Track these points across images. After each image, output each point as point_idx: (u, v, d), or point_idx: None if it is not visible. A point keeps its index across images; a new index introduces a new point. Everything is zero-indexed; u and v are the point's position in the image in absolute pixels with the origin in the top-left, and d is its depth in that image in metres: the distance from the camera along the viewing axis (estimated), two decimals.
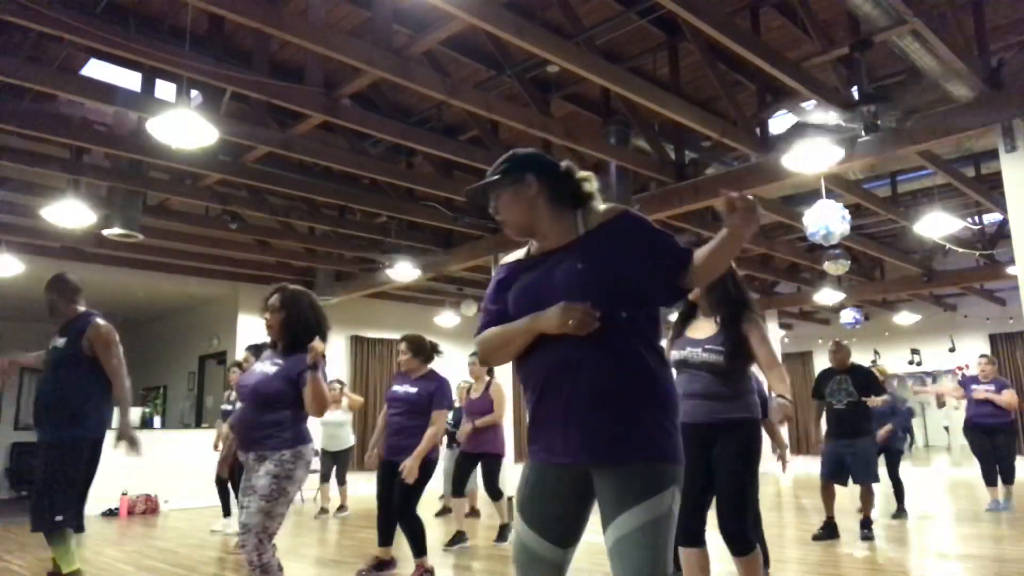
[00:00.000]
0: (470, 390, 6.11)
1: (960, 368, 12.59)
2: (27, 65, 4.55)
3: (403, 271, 8.45)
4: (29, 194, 6.92)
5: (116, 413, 3.88)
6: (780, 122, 6.34)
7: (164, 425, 10.34)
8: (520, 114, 5.47)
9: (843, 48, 4.82)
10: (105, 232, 6.68)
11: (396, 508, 4.42)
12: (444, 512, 7.88)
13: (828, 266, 8.30)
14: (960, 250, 8.85)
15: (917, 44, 4.39)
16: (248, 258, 9.48)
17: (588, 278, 1.71)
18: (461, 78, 5.69)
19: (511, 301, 1.83)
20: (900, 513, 6.64)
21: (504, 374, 7.16)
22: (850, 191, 6.82)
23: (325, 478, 8.19)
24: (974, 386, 7.11)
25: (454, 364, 11.68)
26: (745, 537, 2.87)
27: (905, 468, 6.99)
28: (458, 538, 5.67)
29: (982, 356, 7.41)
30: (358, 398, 8.67)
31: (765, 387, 3.38)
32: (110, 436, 3.84)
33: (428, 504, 8.25)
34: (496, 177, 1.86)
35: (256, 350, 4.58)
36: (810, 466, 9.49)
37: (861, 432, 5.58)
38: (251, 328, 9.87)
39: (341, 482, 8.24)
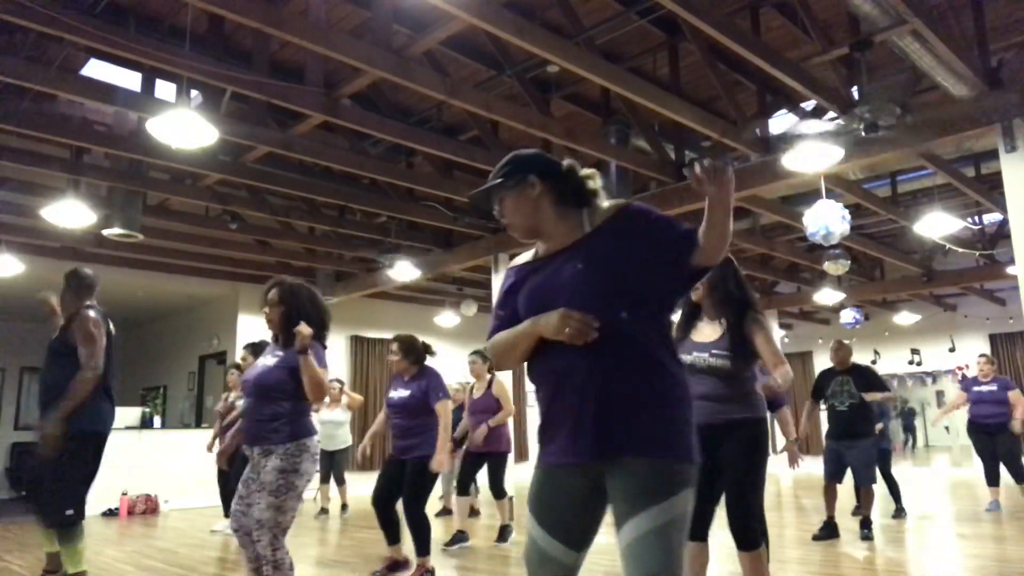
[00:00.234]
0: (473, 389, 6.10)
1: (960, 368, 12.59)
2: (27, 65, 4.55)
3: (403, 271, 8.45)
4: (29, 194, 6.92)
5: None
6: (780, 122, 6.34)
7: (164, 425, 10.34)
8: (520, 114, 5.47)
9: (843, 48, 4.82)
10: (105, 232, 6.69)
11: (405, 505, 4.42)
12: (444, 513, 7.88)
13: (828, 266, 8.30)
14: (960, 250, 8.85)
15: (917, 44, 4.39)
16: (248, 258, 9.49)
17: (592, 277, 1.70)
18: (461, 78, 5.70)
19: (520, 304, 1.81)
20: (899, 512, 6.65)
21: (509, 373, 7.17)
22: (850, 191, 6.82)
23: (325, 478, 8.18)
24: (975, 387, 7.10)
25: (454, 364, 11.72)
26: (752, 533, 2.91)
27: (906, 468, 6.99)
28: (458, 537, 5.67)
29: (981, 356, 7.39)
30: (358, 397, 8.67)
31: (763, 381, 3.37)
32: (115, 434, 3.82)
33: (429, 504, 8.26)
34: (499, 180, 1.84)
35: (254, 348, 4.57)
36: (810, 466, 9.49)
37: (863, 433, 5.57)
38: (251, 328, 9.87)
39: (340, 482, 8.24)
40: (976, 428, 7.02)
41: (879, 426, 6.79)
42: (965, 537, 5.82)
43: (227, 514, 6.64)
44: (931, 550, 5.39)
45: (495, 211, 1.90)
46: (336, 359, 10.93)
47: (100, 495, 8.69)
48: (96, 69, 5.39)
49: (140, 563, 5.29)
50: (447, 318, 11.65)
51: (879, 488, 6.14)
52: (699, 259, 1.69)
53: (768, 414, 3.34)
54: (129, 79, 5.29)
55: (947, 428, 17.29)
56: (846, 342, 5.89)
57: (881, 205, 7.48)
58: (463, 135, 6.64)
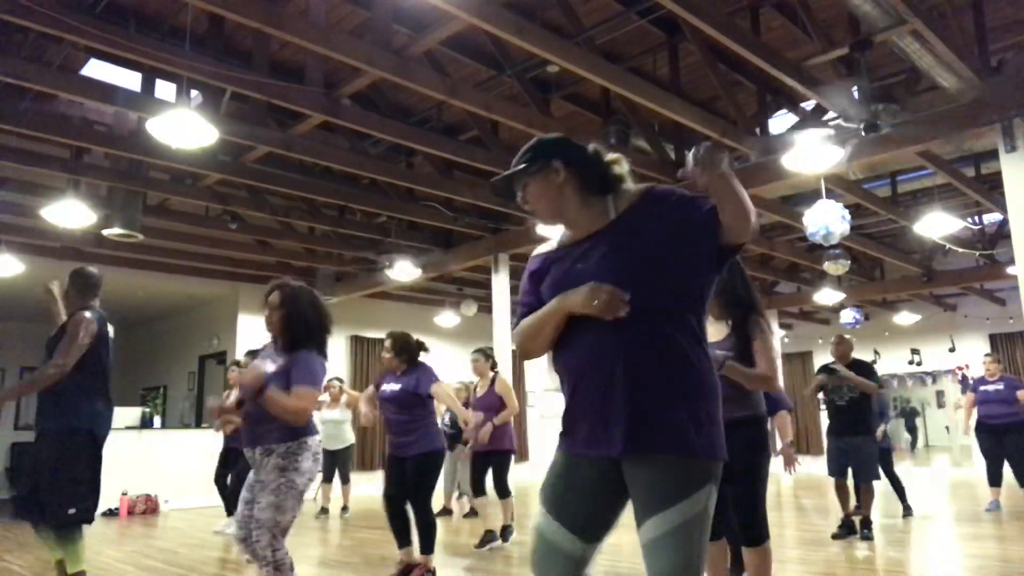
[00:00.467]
0: (476, 387, 6.08)
1: (960, 368, 12.59)
2: (27, 65, 4.55)
3: (403, 271, 8.45)
4: (29, 194, 6.92)
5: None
6: (780, 122, 6.34)
7: (164, 425, 10.34)
8: (520, 114, 5.47)
9: (843, 48, 4.82)
10: (105, 232, 6.68)
11: (415, 504, 4.41)
12: (444, 512, 7.89)
13: (828, 266, 8.30)
14: (960, 250, 8.85)
15: (917, 44, 4.39)
16: (248, 258, 9.49)
17: (618, 265, 1.66)
18: (461, 78, 5.70)
19: (546, 294, 1.77)
20: (907, 511, 6.63)
21: (505, 369, 7.16)
22: (850, 191, 6.82)
23: (327, 477, 8.19)
24: (982, 387, 7.08)
25: (455, 364, 11.72)
26: (758, 528, 2.95)
27: (906, 468, 6.99)
28: (488, 537, 5.58)
29: (987, 355, 7.36)
30: (357, 395, 8.66)
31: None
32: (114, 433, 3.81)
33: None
34: (522, 166, 1.80)
35: (255, 356, 4.55)
36: (810, 466, 9.50)
37: (863, 430, 5.57)
38: (251, 328, 9.88)
39: (345, 481, 8.23)
40: (983, 428, 6.99)
41: (881, 428, 6.80)
42: (965, 537, 5.82)
43: (229, 513, 6.64)
44: (931, 550, 5.40)
45: (518, 197, 1.85)
46: (336, 359, 10.93)
47: (100, 495, 8.70)
48: (96, 69, 5.39)
49: (140, 563, 5.29)
50: (447, 318, 11.65)
51: (880, 487, 6.14)
52: (726, 237, 1.64)
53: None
54: (129, 79, 5.29)
55: (947, 428, 17.30)
56: (848, 337, 5.89)
57: (881, 205, 7.48)
58: (463, 135, 6.64)
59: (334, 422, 8.09)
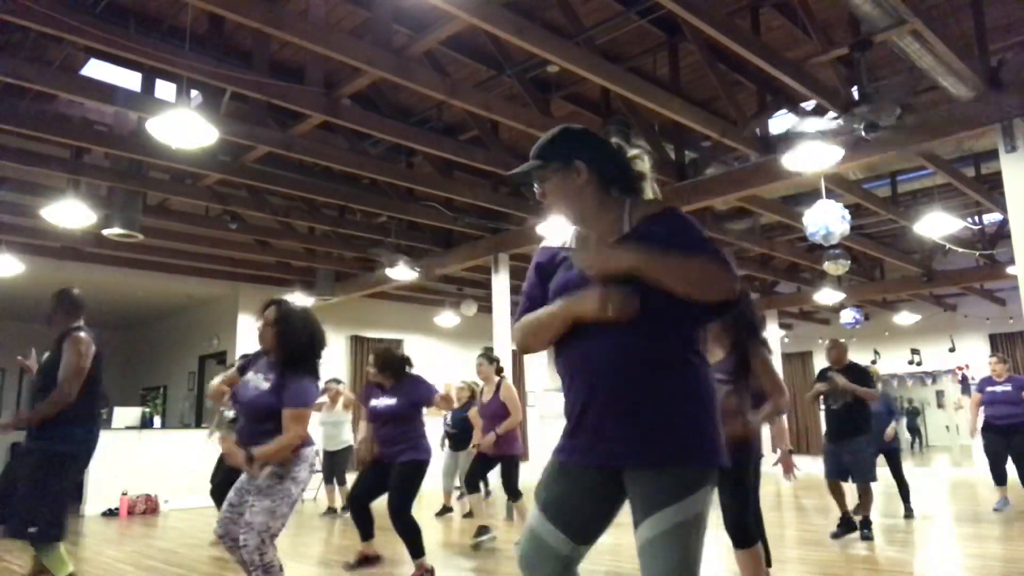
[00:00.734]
0: (482, 392, 6.09)
1: (960, 368, 12.59)
2: (27, 65, 4.55)
3: (403, 271, 8.45)
4: (29, 194, 6.92)
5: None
6: (780, 122, 6.34)
7: (164, 425, 10.34)
8: (520, 114, 5.47)
9: (843, 48, 4.82)
10: (105, 232, 6.68)
11: (394, 509, 4.42)
12: (445, 511, 7.90)
13: (828, 266, 8.29)
14: (960, 250, 8.85)
15: (917, 44, 4.39)
16: (248, 258, 9.48)
17: (627, 278, 1.64)
18: (461, 78, 5.70)
19: (552, 294, 1.77)
20: (908, 513, 6.64)
21: (509, 372, 7.15)
22: (850, 191, 6.82)
23: (328, 478, 8.18)
24: (989, 387, 7.07)
25: (455, 364, 11.72)
26: (747, 530, 3.04)
27: (906, 468, 6.98)
28: (482, 531, 5.67)
29: (992, 356, 7.35)
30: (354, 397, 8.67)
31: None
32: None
33: (428, 504, 8.26)
34: (541, 163, 1.77)
35: (247, 360, 4.58)
36: (809, 465, 9.50)
37: (858, 432, 5.60)
38: (251, 328, 9.74)
39: (341, 482, 8.24)
40: (990, 428, 6.98)
41: (892, 426, 6.81)
42: (966, 537, 5.82)
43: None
44: (932, 550, 5.39)
45: (535, 189, 1.82)
46: (336, 359, 10.93)
47: (100, 495, 8.70)
48: (96, 69, 5.38)
49: (140, 563, 5.29)
50: (447, 318, 11.65)
51: (882, 487, 6.15)
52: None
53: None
54: (129, 79, 5.29)
55: (947, 428, 17.29)
56: (841, 341, 5.95)
57: (881, 205, 7.48)
58: (463, 135, 6.64)
59: (333, 423, 8.09)
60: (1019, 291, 4.98)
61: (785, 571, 4.59)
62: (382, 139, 6.18)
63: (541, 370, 12.93)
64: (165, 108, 4.71)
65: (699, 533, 1.59)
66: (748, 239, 8.63)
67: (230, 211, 7.70)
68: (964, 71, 4.69)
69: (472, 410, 6.82)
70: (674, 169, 6.52)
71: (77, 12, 4.05)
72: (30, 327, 10.52)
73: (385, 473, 4.48)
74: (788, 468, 3.94)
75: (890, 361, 13.42)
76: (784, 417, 4.18)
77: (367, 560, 4.70)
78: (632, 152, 1.79)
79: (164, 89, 5.26)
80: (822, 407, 5.85)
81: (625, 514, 1.70)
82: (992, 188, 6.95)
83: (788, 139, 5.61)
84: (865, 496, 5.66)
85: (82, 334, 3.76)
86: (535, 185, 1.81)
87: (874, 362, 13.38)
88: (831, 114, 5.28)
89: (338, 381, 8.47)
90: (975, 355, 12.21)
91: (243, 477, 3.07)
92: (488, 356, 5.99)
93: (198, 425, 10.56)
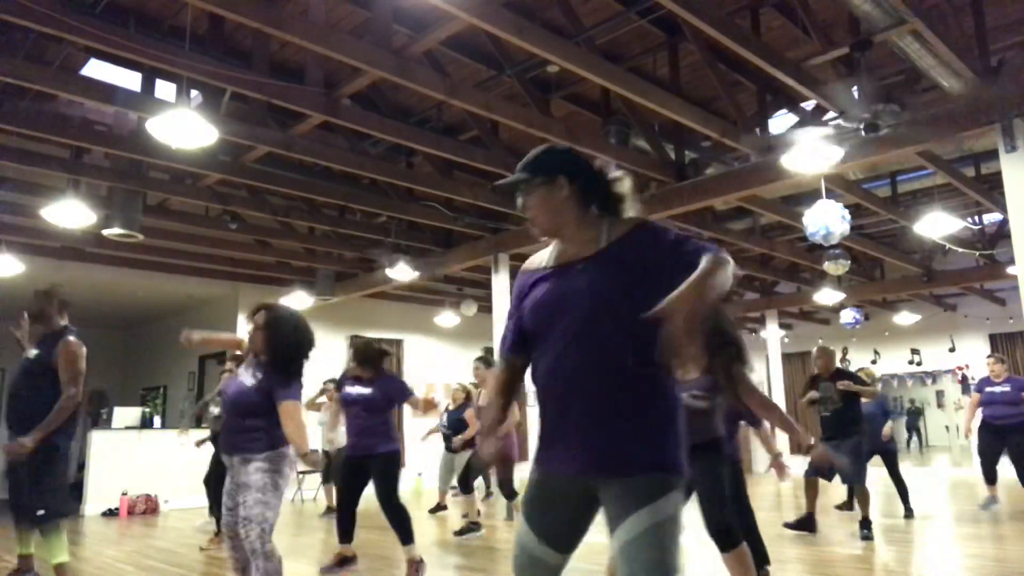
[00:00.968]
0: (480, 395, 6.11)
1: (960, 368, 12.58)
2: (27, 65, 4.55)
3: (403, 271, 8.45)
4: (29, 194, 6.92)
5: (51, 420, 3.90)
6: (780, 122, 6.33)
7: (164, 425, 10.33)
8: (520, 114, 5.47)
9: (843, 48, 4.82)
10: (105, 232, 6.68)
11: (381, 500, 4.52)
12: (439, 509, 7.92)
13: (828, 266, 8.30)
14: (960, 250, 8.85)
15: (917, 44, 4.39)
16: (248, 258, 9.48)
17: (600, 295, 1.71)
18: (461, 78, 5.69)
19: (526, 312, 1.83)
20: (908, 513, 6.65)
21: None
22: (850, 191, 6.82)
23: (326, 479, 8.18)
24: (987, 388, 7.08)
25: (455, 364, 11.71)
26: (728, 532, 3.16)
27: (906, 468, 7.01)
28: (471, 528, 5.74)
29: (990, 356, 7.37)
30: None
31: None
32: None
33: (426, 503, 8.27)
34: (526, 176, 1.83)
35: (239, 362, 4.72)
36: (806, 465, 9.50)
37: (847, 434, 5.71)
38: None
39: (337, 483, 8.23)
40: (988, 428, 7.00)
41: (888, 425, 6.87)
42: (965, 537, 5.82)
43: (211, 512, 6.60)
44: (931, 550, 5.40)
45: (519, 202, 1.88)
46: (336, 359, 10.92)
47: (100, 495, 8.70)
48: (96, 69, 5.38)
49: (140, 563, 5.29)
50: (447, 318, 11.65)
51: (882, 487, 6.16)
52: None
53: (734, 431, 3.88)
54: (129, 79, 5.28)
55: (947, 428, 17.29)
56: (830, 349, 6.10)
57: (881, 205, 7.48)
58: (463, 135, 6.64)
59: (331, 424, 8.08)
60: (1019, 291, 4.98)
61: (785, 571, 4.59)
62: (382, 139, 6.18)
63: None
64: (165, 108, 4.71)
65: (674, 533, 1.64)
66: (748, 239, 8.63)
67: (230, 211, 7.69)
68: (964, 71, 4.69)
69: (468, 411, 6.86)
70: (674, 169, 6.52)
71: (77, 12, 4.04)
72: (30, 327, 10.53)
73: (362, 471, 4.59)
74: (781, 471, 4.12)
75: (890, 361, 13.42)
76: (768, 424, 4.32)
77: (345, 561, 4.77)
78: (614, 174, 1.85)
79: (164, 89, 5.25)
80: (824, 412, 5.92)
81: None
82: (992, 188, 6.95)
83: (788, 139, 5.61)
84: (862, 496, 5.70)
85: (72, 337, 3.98)
86: (519, 199, 1.87)
87: (874, 362, 13.40)
88: (831, 114, 5.29)
89: (336, 381, 8.46)
90: (975, 355, 12.20)
91: (228, 479, 3.24)
92: (485, 360, 6.02)
93: (198, 425, 10.54)
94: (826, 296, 10.32)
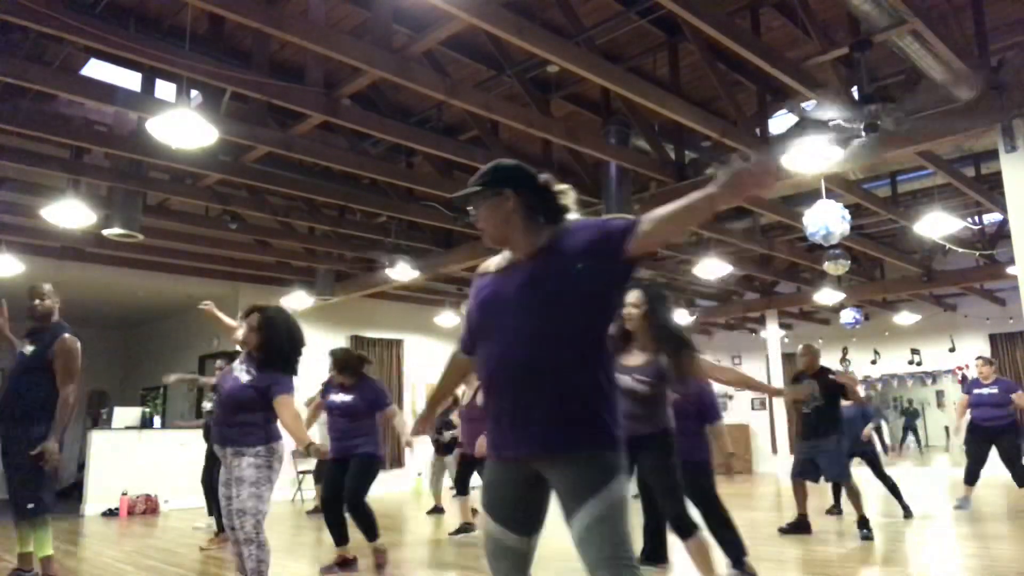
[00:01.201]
0: (463, 394, 6.11)
1: (960, 368, 12.58)
2: (27, 65, 4.54)
3: (403, 271, 8.45)
4: (29, 194, 6.92)
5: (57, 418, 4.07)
6: (780, 122, 6.34)
7: (164, 425, 10.34)
8: (520, 114, 5.47)
9: (843, 48, 4.82)
10: (105, 232, 6.68)
11: (347, 500, 4.62)
12: (436, 511, 7.94)
13: (828, 266, 8.30)
14: (960, 250, 8.85)
15: (917, 44, 4.39)
16: (248, 258, 9.48)
17: (535, 291, 1.87)
18: (461, 78, 5.69)
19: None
20: (907, 513, 6.68)
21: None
22: (850, 191, 6.82)
23: (318, 478, 8.18)
24: (976, 389, 7.14)
25: None
26: (684, 522, 3.31)
27: (906, 468, 7.06)
28: (464, 528, 5.85)
29: (978, 358, 7.42)
30: None
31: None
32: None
33: (424, 503, 8.27)
34: (476, 188, 1.98)
35: (231, 360, 4.89)
36: None
37: (827, 432, 5.76)
38: None
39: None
40: (977, 429, 7.05)
41: (868, 427, 6.96)
42: (965, 537, 5.82)
43: (210, 512, 6.62)
44: (931, 550, 5.40)
45: (470, 214, 2.05)
46: None
47: (100, 495, 8.71)
48: (96, 69, 5.38)
49: (140, 563, 5.29)
50: (447, 318, 11.65)
51: (881, 489, 6.17)
52: (635, 245, 1.80)
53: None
54: (129, 79, 5.28)
55: (947, 428, 17.28)
56: (814, 347, 6.18)
57: (881, 205, 7.48)
58: (463, 135, 6.64)
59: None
60: (1019, 291, 4.98)
61: (784, 570, 4.59)
62: (382, 139, 6.18)
63: None
64: (165, 108, 4.71)
65: (623, 514, 1.80)
66: (748, 239, 8.63)
67: (230, 211, 7.69)
68: (964, 71, 4.69)
69: (453, 414, 6.94)
70: (674, 169, 6.52)
71: (77, 12, 4.04)
72: (30, 327, 10.53)
73: (344, 472, 4.69)
74: (728, 470, 4.24)
75: (890, 361, 13.42)
76: (720, 423, 4.51)
77: (345, 563, 4.79)
78: (558, 187, 2.00)
79: (164, 89, 5.25)
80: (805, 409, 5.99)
81: None
82: (992, 188, 6.95)
83: (788, 139, 5.61)
84: (851, 495, 5.77)
85: (67, 335, 4.15)
86: (470, 211, 2.04)
87: (874, 362, 13.43)
88: (831, 114, 5.29)
89: None
90: (975, 355, 12.19)
91: (222, 473, 3.41)
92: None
93: (198, 417, 10.57)
94: (826, 296, 10.32)
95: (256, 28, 4.31)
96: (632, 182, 6.78)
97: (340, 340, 11.16)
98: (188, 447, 9.13)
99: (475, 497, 6.69)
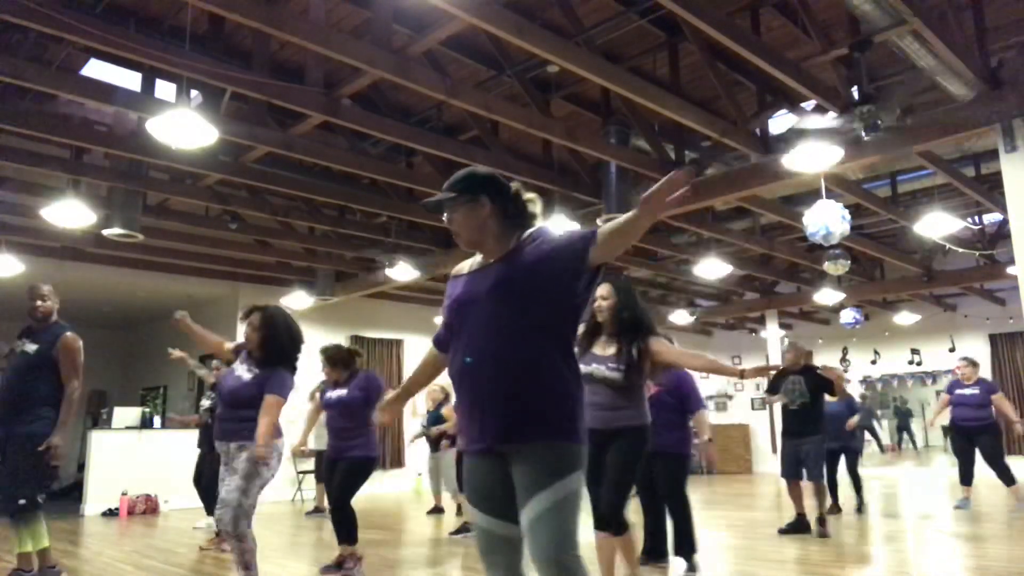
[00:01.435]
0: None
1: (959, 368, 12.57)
2: (27, 65, 4.54)
3: (403, 271, 8.45)
4: (29, 194, 6.92)
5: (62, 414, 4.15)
6: (780, 122, 6.34)
7: (164, 425, 10.33)
8: (520, 114, 5.47)
9: (843, 48, 4.82)
10: (105, 232, 6.68)
11: (332, 501, 4.65)
12: (436, 511, 7.94)
13: (828, 266, 8.30)
14: (960, 250, 8.85)
15: (917, 44, 4.39)
16: (248, 258, 9.48)
17: (502, 291, 1.95)
18: (461, 78, 5.69)
19: (446, 312, 2.09)
20: (861, 507, 7.00)
21: None
22: (850, 191, 6.82)
23: (320, 478, 8.18)
24: (957, 390, 7.23)
25: None
26: (619, 519, 3.32)
27: (905, 468, 7.12)
28: (464, 528, 5.90)
29: (962, 359, 7.49)
30: None
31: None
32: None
33: (426, 503, 8.27)
34: (453, 195, 2.06)
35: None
36: None
37: (812, 431, 5.88)
38: None
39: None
40: (957, 429, 7.19)
41: (855, 417, 7.11)
42: (964, 537, 5.82)
43: (209, 512, 6.62)
44: (930, 550, 5.40)
45: (445, 219, 2.11)
46: None
47: (100, 495, 8.70)
48: (96, 69, 5.38)
49: (140, 563, 5.29)
50: None
51: (881, 489, 6.20)
52: (595, 255, 1.89)
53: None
54: (129, 79, 5.28)
55: (943, 428, 17.28)
56: (799, 344, 6.29)
57: (881, 205, 7.48)
58: (463, 135, 6.64)
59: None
60: (1019, 291, 4.98)
61: (784, 571, 4.60)
62: (382, 139, 6.18)
63: None
64: (165, 108, 4.71)
65: (575, 508, 1.85)
66: (748, 239, 8.64)
67: (230, 211, 7.70)
68: (964, 71, 4.69)
69: (447, 407, 6.97)
70: (674, 169, 6.51)
71: (77, 12, 4.05)
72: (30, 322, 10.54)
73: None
74: (710, 459, 4.29)
75: (890, 361, 13.42)
76: (703, 411, 4.57)
77: (349, 561, 4.77)
78: (527, 196, 2.11)
79: (164, 89, 5.25)
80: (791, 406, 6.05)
81: None
82: (992, 188, 6.95)
83: (788, 139, 5.61)
84: (818, 492, 5.92)
85: (69, 333, 4.24)
86: (445, 216, 2.11)
87: (874, 362, 13.43)
88: (831, 114, 5.29)
89: None
90: (975, 355, 12.17)
91: (222, 468, 3.50)
92: None
93: (198, 425, 10.56)
94: (826, 296, 10.33)
95: (256, 28, 4.31)
96: (632, 182, 6.79)
97: (340, 340, 11.09)
98: (188, 447, 9.14)
99: None
